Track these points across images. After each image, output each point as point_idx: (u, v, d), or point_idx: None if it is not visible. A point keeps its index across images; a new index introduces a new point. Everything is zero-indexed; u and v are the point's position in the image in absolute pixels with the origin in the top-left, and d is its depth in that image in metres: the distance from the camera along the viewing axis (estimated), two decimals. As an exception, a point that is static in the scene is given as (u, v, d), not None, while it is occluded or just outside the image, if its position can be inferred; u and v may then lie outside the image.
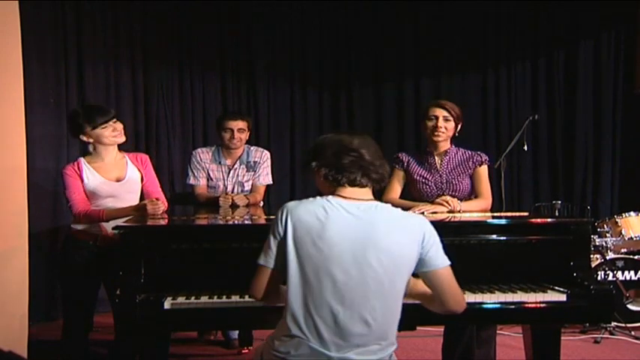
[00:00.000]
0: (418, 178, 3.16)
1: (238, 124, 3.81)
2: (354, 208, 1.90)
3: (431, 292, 1.98)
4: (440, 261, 1.92)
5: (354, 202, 1.91)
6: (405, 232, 1.88)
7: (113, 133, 3.00)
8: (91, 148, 3.05)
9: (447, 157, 3.15)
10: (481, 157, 3.15)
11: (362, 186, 1.95)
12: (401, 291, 1.90)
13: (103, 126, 2.98)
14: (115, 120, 3.02)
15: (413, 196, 3.20)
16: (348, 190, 1.95)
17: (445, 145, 3.16)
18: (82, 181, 2.98)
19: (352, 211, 1.89)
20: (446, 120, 3.09)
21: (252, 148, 3.97)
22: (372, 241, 1.84)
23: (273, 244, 1.90)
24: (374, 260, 1.83)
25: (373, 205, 1.93)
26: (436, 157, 3.17)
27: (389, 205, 1.95)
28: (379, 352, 1.85)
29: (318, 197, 1.93)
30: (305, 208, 1.89)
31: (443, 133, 3.10)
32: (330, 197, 1.93)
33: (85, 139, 3.02)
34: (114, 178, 3.04)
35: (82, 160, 3.05)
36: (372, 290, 1.83)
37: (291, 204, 1.92)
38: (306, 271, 1.83)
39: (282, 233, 1.88)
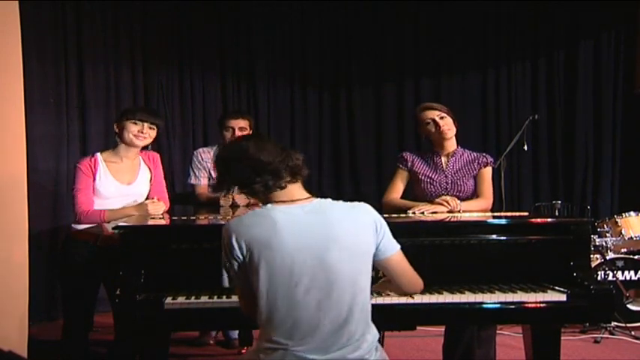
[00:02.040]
0: (423, 177, 3.15)
1: (239, 123, 3.81)
2: (299, 210, 1.85)
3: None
4: (392, 247, 1.93)
5: (295, 204, 1.87)
6: (358, 224, 1.87)
7: (136, 132, 3.00)
8: (117, 139, 3.05)
9: (454, 158, 3.15)
10: (486, 159, 3.16)
11: (283, 188, 1.89)
12: (368, 283, 1.89)
13: (134, 121, 2.99)
14: (151, 126, 3.02)
15: (416, 195, 3.19)
16: (279, 194, 1.89)
17: (452, 145, 3.17)
18: (94, 179, 2.97)
19: (298, 215, 1.84)
20: (441, 118, 3.10)
21: (253, 147, 3.97)
22: (330, 242, 1.81)
23: (230, 266, 1.86)
24: (336, 260, 1.81)
25: (317, 203, 1.89)
26: (443, 157, 3.17)
27: (330, 200, 1.92)
28: (364, 345, 1.84)
29: (257, 209, 1.89)
30: (248, 224, 1.83)
31: (448, 130, 3.11)
32: (268, 206, 1.88)
33: (115, 128, 3.05)
34: (125, 181, 3.04)
35: (99, 156, 3.04)
36: (341, 290, 1.81)
37: (232, 224, 1.85)
38: (275, 285, 1.79)
39: (236, 255, 1.82)
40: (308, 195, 1.94)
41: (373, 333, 1.89)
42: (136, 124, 3.00)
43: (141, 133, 3.01)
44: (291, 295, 1.79)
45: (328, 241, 1.81)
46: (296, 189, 1.92)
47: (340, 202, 1.92)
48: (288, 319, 1.80)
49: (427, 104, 3.20)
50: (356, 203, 1.95)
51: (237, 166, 1.89)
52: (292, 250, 1.79)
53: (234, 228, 1.84)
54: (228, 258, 1.85)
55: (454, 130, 3.15)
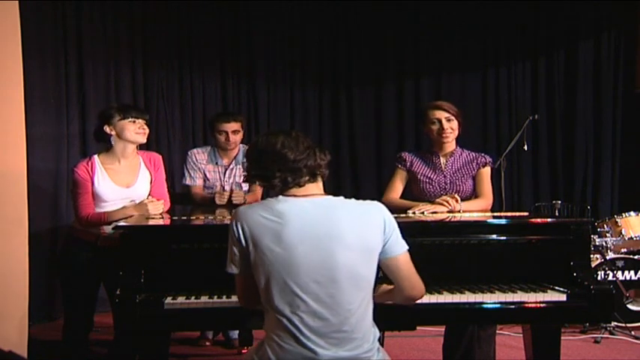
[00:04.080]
0: (422, 177, 3.15)
1: (232, 126, 3.77)
2: (308, 204, 1.86)
3: (392, 287, 1.98)
4: (399, 247, 1.91)
5: (306, 198, 1.88)
6: (366, 222, 1.86)
7: (138, 130, 2.99)
8: (113, 141, 3.00)
9: (452, 158, 3.15)
10: (485, 159, 3.16)
11: (301, 186, 1.90)
12: (371, 282, 1.89)
13: (132, 120, 2.97)
14: (145, 122, 3.03)
15: (415, 195, 3.19)
16: (294, 190, 1.91)
17: (451, 145, 3.16)
18: (92, 183, 2.96)
19: (306, 208, 1.85)
20: (449, 120, 3.09)
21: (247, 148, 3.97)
22: (334, 237, 1.81)
23: (235, 251, 1.88)
24: (339, 255, 1.81)
25: (327, 199, 1.90)
26: (441, 158, 3.16)
27: (341, 198, 1.93)
28: (365, 345, 1.84)
29: (269, 198, 1.90)
30: (257, 211, 1.85)
31: (450, 133, 3.10)
32: (279, 197, 1.90)
33: (108, 130, 2.98)
34: (124, 184, 3.01)
35: (95, 158, 3.02)
36: (342, 286, 1.80)
37: (241, 209, 1.89)
38: (275, 276, 1.80)
39: (242, 241, 1.85)
40: (322, 193, 1.94)
41: (374, 333, 1.89)
42: (134, 122, 2.98)
43: (142, 129, 3.01)
44: (290, 287, 1.79)
45: (333, 236, 1.81)
46: (313, 187, 1.93)
47: (351, 200, 1.93)
48: (287, 312, 1.79)
49: (437, 103, 3.15)
50: (367, 202, 1.96)
51: (261, 159, 1.91)
52: (296, 242, 1.80)
53: (240, 214, 1.87)
54: (232, 242, 1.88)
55: (456, 134, 3.13)
